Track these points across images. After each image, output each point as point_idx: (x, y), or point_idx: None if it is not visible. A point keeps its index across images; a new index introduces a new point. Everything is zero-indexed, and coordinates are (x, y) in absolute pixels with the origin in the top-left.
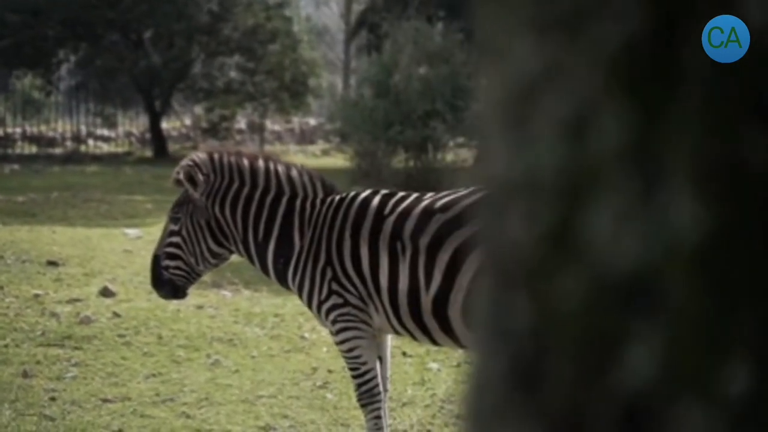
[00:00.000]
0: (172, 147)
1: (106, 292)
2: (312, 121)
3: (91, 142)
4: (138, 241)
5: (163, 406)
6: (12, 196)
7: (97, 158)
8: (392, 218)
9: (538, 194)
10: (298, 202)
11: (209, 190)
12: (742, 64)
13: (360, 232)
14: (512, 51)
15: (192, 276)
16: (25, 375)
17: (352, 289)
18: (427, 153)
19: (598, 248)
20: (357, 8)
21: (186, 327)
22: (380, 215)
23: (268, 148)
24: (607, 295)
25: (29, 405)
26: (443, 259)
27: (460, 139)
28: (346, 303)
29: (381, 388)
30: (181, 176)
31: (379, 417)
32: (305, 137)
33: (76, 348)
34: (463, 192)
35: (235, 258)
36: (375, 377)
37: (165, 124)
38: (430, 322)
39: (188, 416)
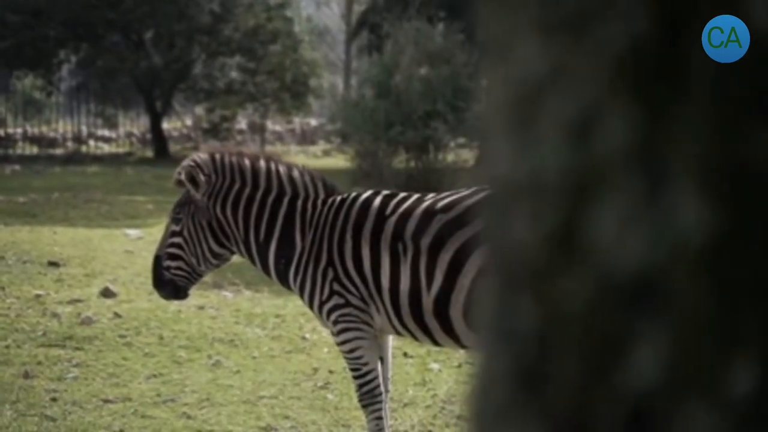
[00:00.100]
0: (173, 147)
1: (107, 293)
2: (313, 122)
3: (92, 142)
4: (139, 241)
5: (164, 406)
6: (13, 196)
7: (98, 159)
8: (394, 219)
9: (543, 195)
10: (299, 203)
11: (211, 190)
12: (743, 64)
13: (361, 232)
14: (517, 52)
15: (193, 276)
16: (26, 375)
17: (353, 289)
18: (428, 153)
19: (603, 249)
20: (358, 9)
21: (187, 327)
22: (382, 216)
23: (269, 148)
24: (612, 295)
25: (30, 405)
26: (445, 259)
27: (461, 140)
28: (348, 303)
29: (382, 388)
30: (183, 177)
31: (380, 418)
32: (306, 138)
33: (77, 348)
34: (464, 192)
35: (236, 259)
36: (376, 378)
37: (166, 125)
38: (431, 322)
39: (189, 417)
